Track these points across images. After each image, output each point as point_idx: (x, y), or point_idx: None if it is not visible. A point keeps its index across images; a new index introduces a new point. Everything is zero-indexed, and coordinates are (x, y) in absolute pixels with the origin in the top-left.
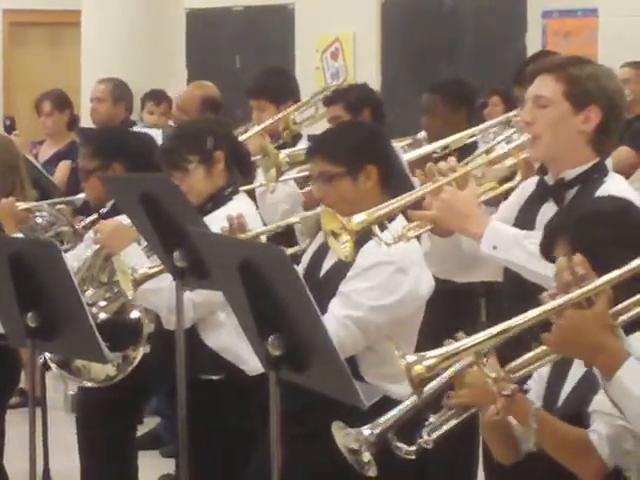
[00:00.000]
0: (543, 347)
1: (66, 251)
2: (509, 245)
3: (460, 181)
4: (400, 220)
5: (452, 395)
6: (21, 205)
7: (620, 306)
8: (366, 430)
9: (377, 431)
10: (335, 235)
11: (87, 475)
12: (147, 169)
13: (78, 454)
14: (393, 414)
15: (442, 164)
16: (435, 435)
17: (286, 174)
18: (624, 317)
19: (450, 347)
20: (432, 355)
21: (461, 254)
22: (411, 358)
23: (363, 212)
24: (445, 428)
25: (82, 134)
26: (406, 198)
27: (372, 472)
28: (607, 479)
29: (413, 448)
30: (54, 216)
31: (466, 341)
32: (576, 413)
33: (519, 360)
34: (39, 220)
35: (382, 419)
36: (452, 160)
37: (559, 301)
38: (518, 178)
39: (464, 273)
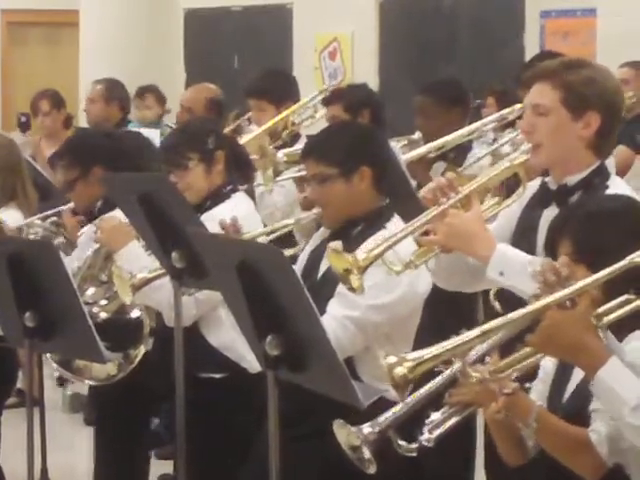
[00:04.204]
0: (527, 348)
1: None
2: (516, 272)
3: (464, 201)
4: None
5: (453, 393)
6: (11, 226)
7: (604, 307)
8: (367, 428)
9: (377, 429)
10: (348, 272)
11: (97, 476)
12: (131, 168)
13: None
14: (393, 412)
15: (442, 180)
16: (436, 433)
17: (285, 174)
18: (609, 318)
19: (431, 349)
20: (413, 357)
21: (468, 266)
22: (392, 359)
23: (367, 247)
24: (446, 426)
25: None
26: (410, 226)
27: (372, 469)
28: (607, 476)
29: (415, 446)
30: (47, 230)
31: (446, 343)
32: (578, 412)
33: (504, 361)
34: (32, 237)
35: (382, 417)
36: (453, 178)
37: (542, 302)
38: (521, 190)
39: (472, 284)
